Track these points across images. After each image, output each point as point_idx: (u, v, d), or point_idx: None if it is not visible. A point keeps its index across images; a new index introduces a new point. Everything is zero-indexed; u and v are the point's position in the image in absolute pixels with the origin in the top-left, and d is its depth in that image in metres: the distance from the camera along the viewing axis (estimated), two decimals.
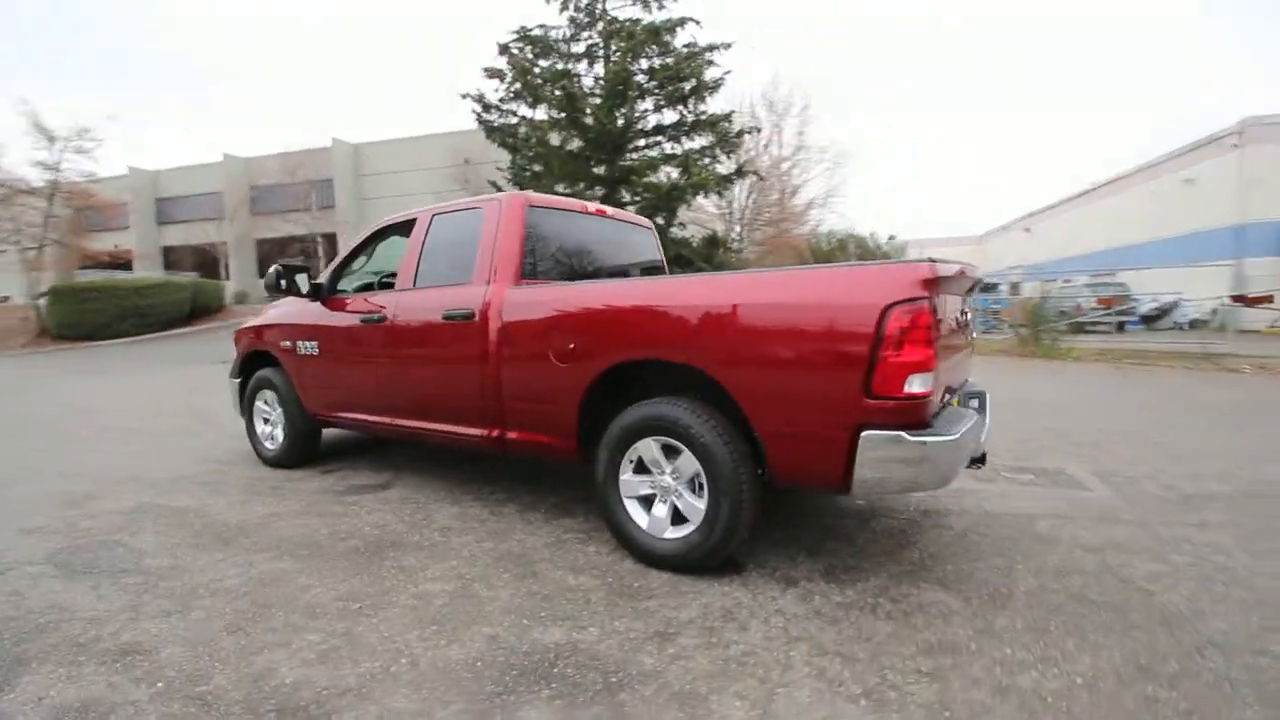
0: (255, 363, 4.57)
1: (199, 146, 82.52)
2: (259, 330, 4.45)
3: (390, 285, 4.00)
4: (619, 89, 16.50)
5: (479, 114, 18.51)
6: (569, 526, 3.12)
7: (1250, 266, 17.09)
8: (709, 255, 19.12)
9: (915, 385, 2.05)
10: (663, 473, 2.61)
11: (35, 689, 1.87)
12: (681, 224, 19.63)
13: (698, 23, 17.75)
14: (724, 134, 18.05)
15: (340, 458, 4.61)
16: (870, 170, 61.84)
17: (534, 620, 2.21)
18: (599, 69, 18.98)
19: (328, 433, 4.54)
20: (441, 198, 33.68)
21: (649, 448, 2.61)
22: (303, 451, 4.32)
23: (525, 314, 2.96)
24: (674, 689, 1.81)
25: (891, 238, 42.63)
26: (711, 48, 17.87)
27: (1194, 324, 17.31)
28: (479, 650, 2.03)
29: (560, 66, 18.33)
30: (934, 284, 2.06)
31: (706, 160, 17.36)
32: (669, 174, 19.08)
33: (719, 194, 19.45)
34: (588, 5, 18.48)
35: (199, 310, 23.14)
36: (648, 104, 18.33)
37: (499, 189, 19.00)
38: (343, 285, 4.05)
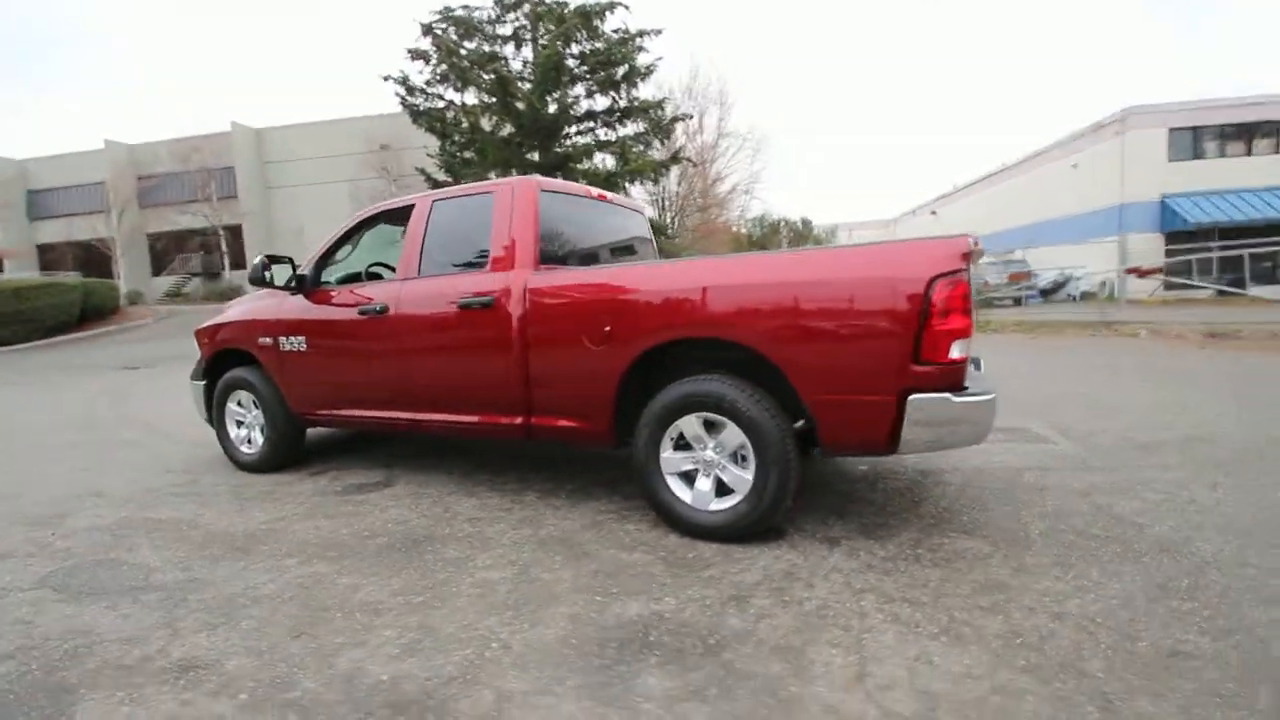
0: (223, 363, 4.26)
1: (67, 132, 74.04)
2: (228, 327, 4.16)
3: (378, 275, 3.85)
4: (552, 74, 16.26)
5: (403, 97, 17.74)
6: (598, 509, 3.15)
7: (1132, 242, 19.04)
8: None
9: (956, 351, 2.23)
10: (705, 448, 2.69)
11: (97, 717, 1.73)
12: None
13: (627, 7, 17.67)
14: (658, 121, 18.14)
15: (323, 458, 4.40)
16: (785, 156, 63.96)
17: (607, 596, 2.25)
18: (527, 52, 18.60)
19: (310, 433, 4.32)
20: (358, 185, 32.13)
21: (691, 424, 2.68)
22: (286, 454, 4.09)
23: (554, 298, 2.95)
24: (770, 644, 1.91)
25: (807, 222, 44.36)
26: (642, 34, 17.86)
27: (1084, 296, 19.21)
28: (566, 629, 2.05)
29: (487, 49, 17.82)
30: (969, 257, 2.24)
31: (641, 147, 17.40)
32: (604, 160, 18.99)
33: (654, 180, 19.58)
34: None
35: (90, 313, 21.03)
36: (579, 90, 18.16)
37: (428, 176, 18.33)
38: (325, 277, 3.85)
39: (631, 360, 2.74)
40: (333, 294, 3.72)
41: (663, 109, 18.35)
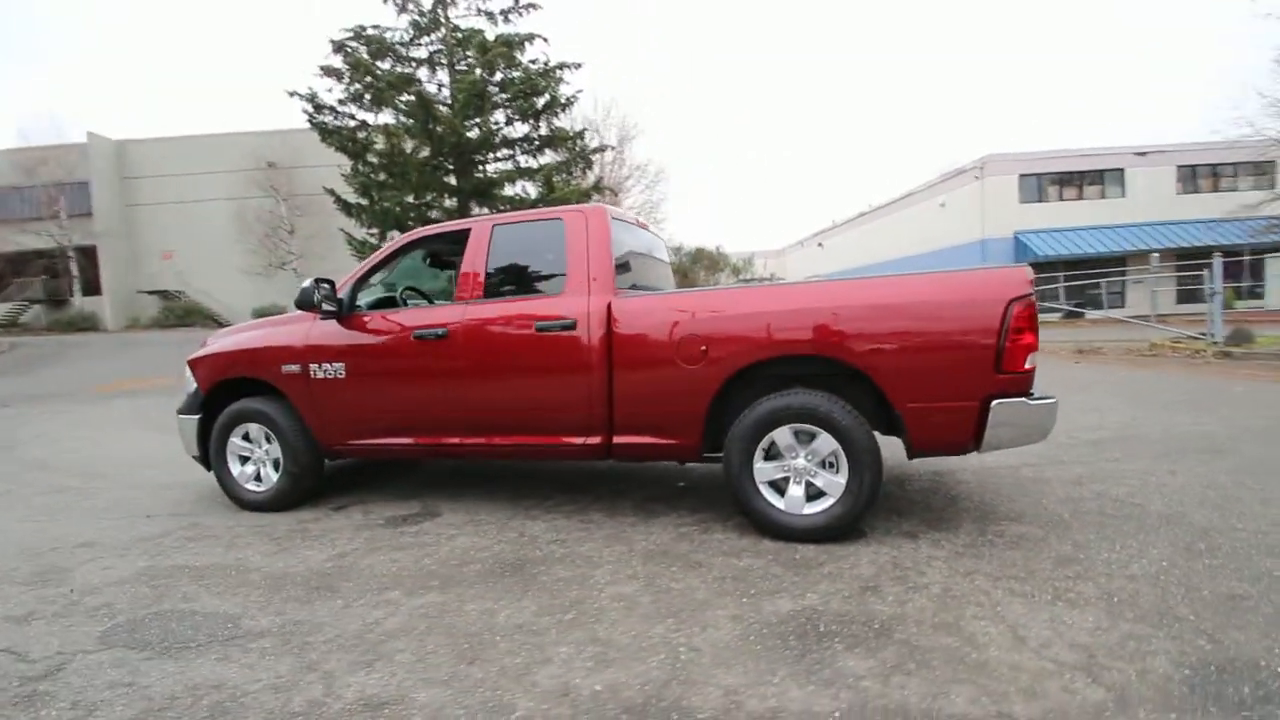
0: (221, 395, 3.92)
1: None
2: (239, 356, 3.84)
3: (409, 301, 3.77)
4: (475, 100, 16.17)
5: (311, 115, 16.85)
6: (674, 523, 3.27)
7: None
8: None
9: (1028, 362, 2.64)
10: (796, 456, 2.91)
11: None
12: None
13: (545, 39, 18.01)
14: (581, 151, 18.50)
15: (329, 494, 4.13)
16: (680, 186, 66.85)
17: (751, 598, 2.39)
18: (442, 76, 18.37)
19: None
20: (241, 204, 29.79)
21: (784, 435, 2.90)
22: (305, 490, 3.83)
23: (645, 321, 3.08)
24: (928, 623, 2.15)
25: (722, 252, 46.45)
26: (563, 66, 18.23)
27: None
28: (737, 629, 2.17)
29: (400, 70, 17.41)
30: (1032, 283, 2.67)
31: (565, 176, 17.65)
32: (524, 188, 19.04)
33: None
34: (430, 10, 17.81)
35: None
36: (499, 116, 18.16)
37: (339, 197, 17.49)
38: (360, 301, 3.70)
39: (726, 378, 2.93)
40: (376, 318, 3.59)
41: (583, 139, 18.77)
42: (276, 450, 3.77)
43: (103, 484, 4.82)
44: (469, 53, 17.37)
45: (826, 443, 2.84)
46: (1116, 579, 2.40)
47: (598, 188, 19.06)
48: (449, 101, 17.24)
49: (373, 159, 16.81)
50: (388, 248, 3.72)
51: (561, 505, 3.65)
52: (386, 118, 16.95)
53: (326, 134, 16.66)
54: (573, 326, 3.15)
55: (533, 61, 17.97)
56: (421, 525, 3.44)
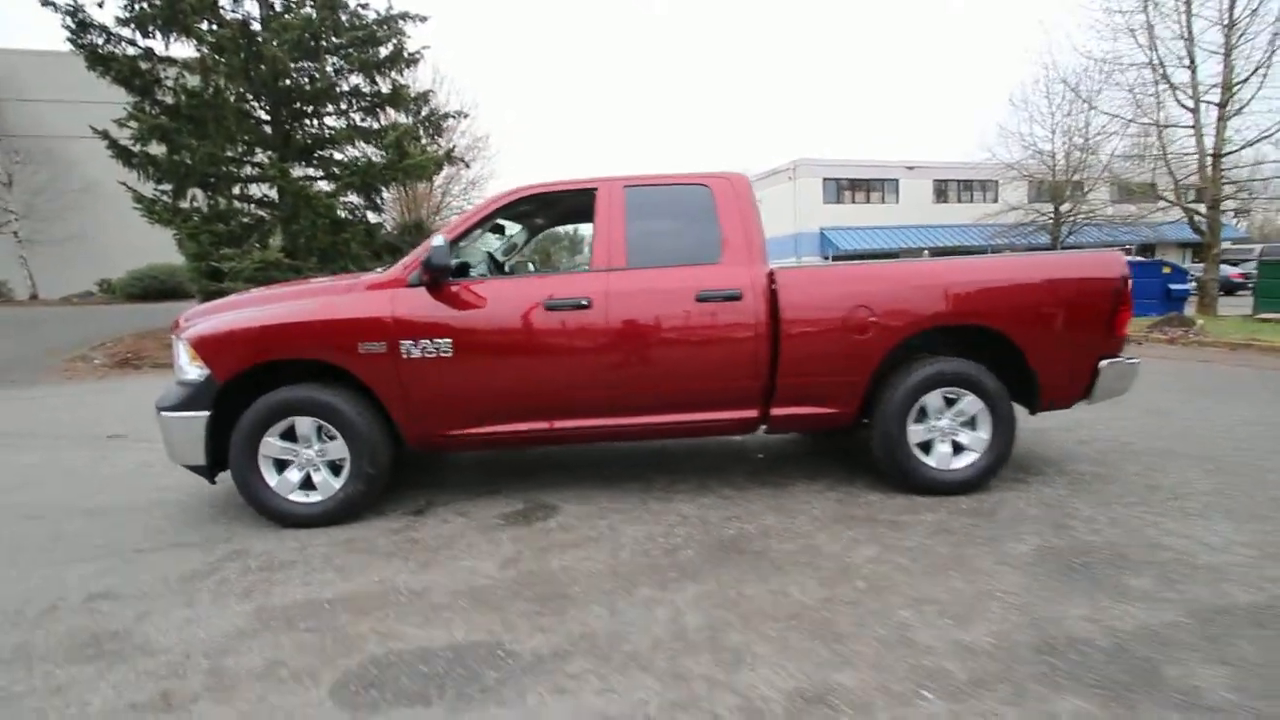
0: (240, 384, 3.04)
1: None
2: (282, 332, 2.98)
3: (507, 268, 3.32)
4: (307, 41, 13.96)
5: (73, 34, 13.07)
6: (810, 490, 3.36)
7: (806, 263, 24.90)
8: (416, 243, 17.85)
9: (1127, 328, 3.23)
10: (941, 418, 3.21)
11: None
12: (379, 207, 17.87)
13: None
14: (431, 115, 16.98)
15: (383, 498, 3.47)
16: (519, 161, 63.72)
17: (987, 545, 2.62)
18: (251, 7, 15.48)
19: None
20: None
21: (935, 398, 3.17)
22: (376, 495, 3.17)
23: (812, 292, 3.10)
24: (1137, 543, 2.58)
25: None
26: (406, 16, 16.49)
27: None
28: (1018, 571, 2.38)
29: None
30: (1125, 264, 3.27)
31: (424, 141, 16.09)
32: (363, 150, 17.02)
33: (428, 179, 18.14)
34: None
35: None
36: (330, 64, 15.89)
37: (113, 142, 13.99)
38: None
39: (891, 347, 3.11)
40: (491, 286, 3.09)
41: (428, 100, 17.18)
42: (335, 449, 3.05)
43: (78, 518, 3.43)
44: None
45: (971, 404, 3.17)
46: (1201, 490, 3.10)
47: (449, 157, 17.66)
48: (266, 39, 14.55)
49: (169, 99, 13.58)
50: (485, 205, 3.19)
51: (678, 487, 3.51)
52: (185, 50, 13.77)
53: (99, 61, 12.99)
54: (738, 297, 3.06)
55: (363, 4, 15.93)
56: (550, 521, 3.08)
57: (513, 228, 4.17)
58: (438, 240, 2.86)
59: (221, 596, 2.42)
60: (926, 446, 3.22)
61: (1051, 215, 22.90)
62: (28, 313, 17.39)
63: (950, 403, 3.20)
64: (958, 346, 3.28)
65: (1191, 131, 13.08)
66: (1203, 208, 13.35)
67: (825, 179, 27.94)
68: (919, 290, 3.13)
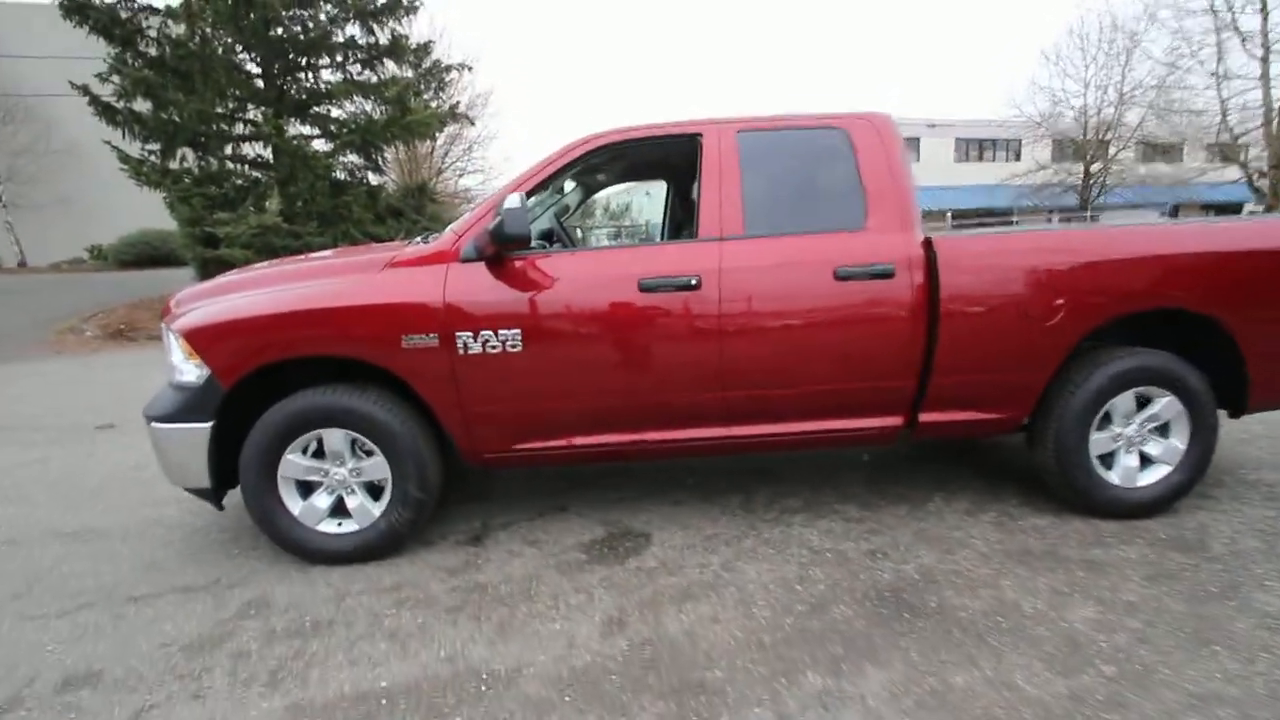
0: (244, 390, 2.39)
1: None
2: (304, 321, 2.30)
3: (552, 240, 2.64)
4: None
5: None
6: (955, 510, 2.75)
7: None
8: (420, 206, 17.07)
9: None
10: (1130, 424, 2.56)
11: None
12: (381, 168, 16.94)
13: None
14: (433, 68, 15.93)
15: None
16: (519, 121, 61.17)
17: (1215, 594, 2.01)
18: None
19: None
20: None
21: (1125, 401, 2.52)
22: (423, 524, 2.54)
23: (984, 265, 2.41)
24: None
25: None
26: None
27: None
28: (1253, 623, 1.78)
29: None
30: None
31: (428, 97, 15.09)
32: (362, 106, 16.01)
33: (431, 138, 17.14)
34: None
35: None
36: (323, 11, 14.77)
37: (95, 99, 13.06)
38: None
39: (1083, 337, 2.44)
40: (565, 261, 2.41)
41: (428, 52, 16.04)
42: (373, 467, 2.42)
43: (54, 544, 2.81)
44: None
45: (1168, 407, 2.52)
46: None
47: (454, 113, 16.64)
48: None
49: (149, 50, 12.57)
50: (559, 155, 2.46)
51: (785, 502, 2.88)
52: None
53: (75, 10, 11.92)
54: (890, 274, 2.37)
55: None
56: (645, 555, 2.46)
57: (568, 185, 3.45)
58: (513, 200, 2.14)
59: (240, 682, 1.81)
60: (1107, 458, 2.59)
61: (1081, 175, 21.93)
62: (17, 280, 16.64)
63: (1141, 405, 2.55)
64: (1135, 336, 2.61)
65: (1258, 83, 12.12)
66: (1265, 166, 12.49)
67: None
68: (1121, 266, 2.43)
